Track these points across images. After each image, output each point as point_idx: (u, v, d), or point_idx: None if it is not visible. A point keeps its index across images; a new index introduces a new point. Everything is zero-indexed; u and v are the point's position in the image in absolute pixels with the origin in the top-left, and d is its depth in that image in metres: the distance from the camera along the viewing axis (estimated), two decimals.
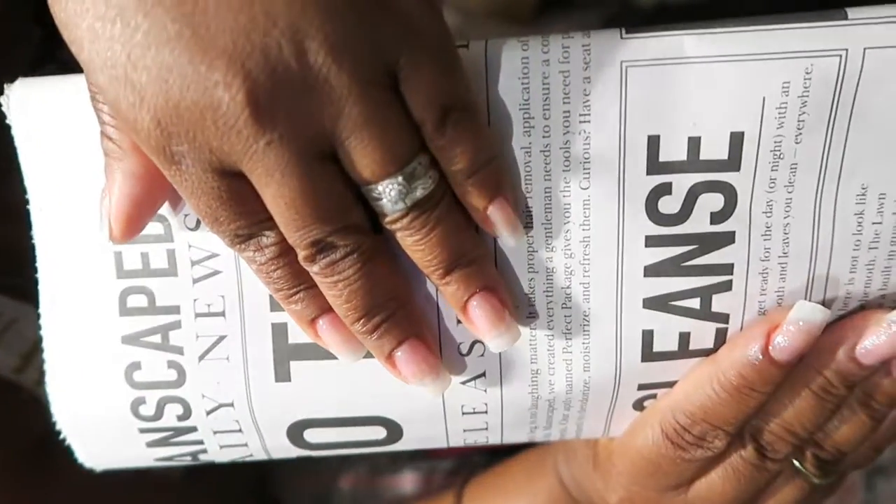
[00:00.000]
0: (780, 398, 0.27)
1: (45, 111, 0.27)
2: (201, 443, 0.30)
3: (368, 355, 0.26)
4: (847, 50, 0.23)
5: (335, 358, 0.27)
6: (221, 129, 0.21)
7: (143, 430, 0.29)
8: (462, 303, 0.25)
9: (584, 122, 0.24)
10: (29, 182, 0.27)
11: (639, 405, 0.29)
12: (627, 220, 0.26)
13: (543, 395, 0.28)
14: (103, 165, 0.24)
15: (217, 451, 0.30)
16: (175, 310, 0.28)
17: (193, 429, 0.29)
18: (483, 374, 0.28)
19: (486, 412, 0.29)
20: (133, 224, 0.24)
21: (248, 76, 0.20)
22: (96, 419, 0.29)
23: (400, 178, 0.22)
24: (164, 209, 0.27)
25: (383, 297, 0.25)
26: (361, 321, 0.25)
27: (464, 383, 0.28)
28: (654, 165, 0.25)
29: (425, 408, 0.29)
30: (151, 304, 0.28)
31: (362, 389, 0.28)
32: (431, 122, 0.22)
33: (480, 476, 0.39)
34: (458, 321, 0.27)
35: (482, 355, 0.28)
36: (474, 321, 0.25)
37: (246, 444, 0.30)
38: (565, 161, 0.25)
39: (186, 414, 0.29)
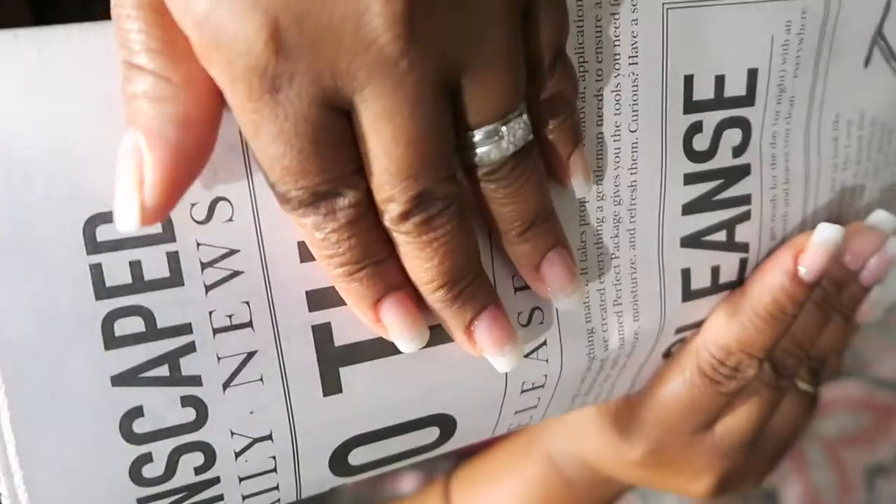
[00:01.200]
0: None
1: None
2: (220, 498, 0.23)
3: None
4: None
5: (391, 353, 0.24)
6: (359, 44, 0.17)
7: (143, 501, 0.22)
8: (537, 261, 0.24)
9: (633, 63, 0.25)
10: None
11: (667, 352, 0.30)
12: (669, 159, 0.26)
13: (598, 355, 0.27)
14: (128, 115, 0.18)
15: None
16: (185, 329, 0.22)
17: (215, 481, 0.23)
18: (545, 343, 0.26)
19: (542, 386, 0.27)
20: (178, 192, 0.19)
21: None
22: (74, 500, 0.21)
23: (525, 116, 0.21)
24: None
25: (470, 260, 0.22)
26: (446, 287, 0.22)
27: (527, 356, 0.26)
28: (689, 104, 0.26)
29: (486, 392, 0.26)
30: (151, 328, 0.21)
31: (422, 384, 0.25)
32: (549, 61, 0.21)
33: (465, 466, 0.36)
34: (516, 289, 0.25)
35: (542, 322, 0.26)
36: (549, 279, 0.24)
37: (276, 487, 0.24)
38: (616, 105, 0.25)
39: (209, 463, 0.22)
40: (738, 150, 0.27)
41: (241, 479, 0.23)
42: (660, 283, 0.27)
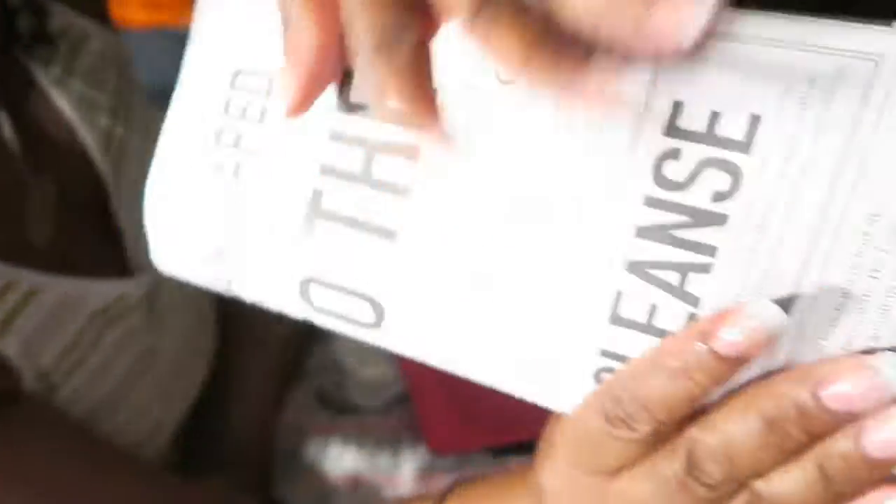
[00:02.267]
0: (727, 413, 0.26)
1: None
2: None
3: None
4: (883, 55, 0.23)
5: None
6: None
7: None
8: None
9: None
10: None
11: (598, 376, 0.28)
12: (635, 175, 0.26)
13: None
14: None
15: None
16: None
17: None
18: None
19: None
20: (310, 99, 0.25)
21: None
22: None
23: None
24: None
25: None
26: None
27: None
28: (673, 129, 0.25)
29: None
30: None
31: None
32: None
33: (462, 488, 0.38)
34: None
35: None
36: None
37: None
38: None
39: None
40: (720, 197, 0.25)
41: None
42: (589, 292, 0.27)
